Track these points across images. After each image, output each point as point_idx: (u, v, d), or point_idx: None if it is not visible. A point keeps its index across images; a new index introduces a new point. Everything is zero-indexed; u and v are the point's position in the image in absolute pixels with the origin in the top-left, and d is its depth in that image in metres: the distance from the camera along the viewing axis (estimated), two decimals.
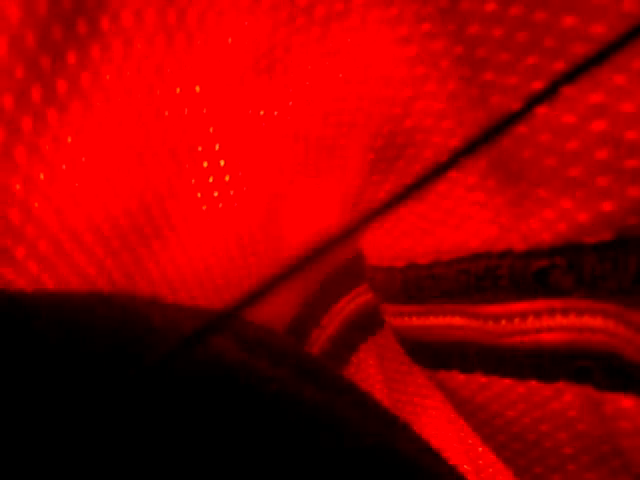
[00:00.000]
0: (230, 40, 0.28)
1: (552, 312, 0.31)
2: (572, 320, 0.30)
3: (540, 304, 0.31)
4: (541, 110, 0.28)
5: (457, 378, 0.36)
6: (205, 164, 0.30)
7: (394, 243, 0.37)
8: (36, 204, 0.25)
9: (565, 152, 0.28)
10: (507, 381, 0.34)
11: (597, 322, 0.30)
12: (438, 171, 0.28)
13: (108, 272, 0.28)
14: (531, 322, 0.32)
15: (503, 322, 0.33)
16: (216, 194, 0.31)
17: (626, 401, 0.30)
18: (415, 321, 0.37)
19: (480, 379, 0.35)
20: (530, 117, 0.28)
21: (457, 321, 0.35)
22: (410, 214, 0.35)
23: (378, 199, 0.36)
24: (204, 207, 0.31)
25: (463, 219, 0.33)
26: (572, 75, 0.26)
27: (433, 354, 0.37)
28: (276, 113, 0.31)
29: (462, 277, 0.34)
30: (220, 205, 0.32)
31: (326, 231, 0.37)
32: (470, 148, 0.28)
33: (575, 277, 0.29)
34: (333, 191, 0.36)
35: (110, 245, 0.28)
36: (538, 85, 0.27)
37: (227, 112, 0.30)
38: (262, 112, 0.31)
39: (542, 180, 0.29)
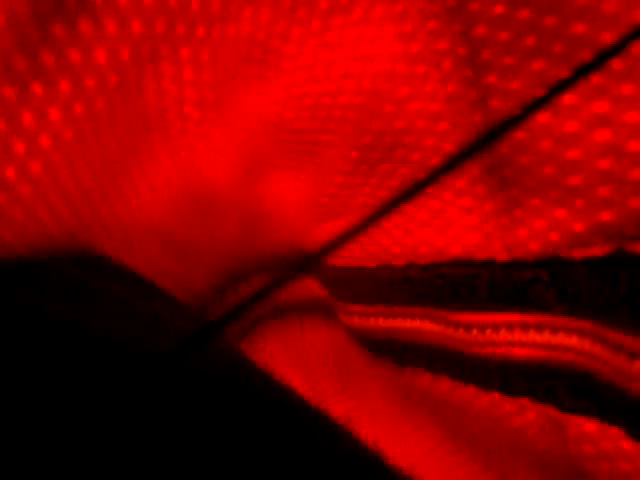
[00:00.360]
0: (229, 26, 0.28)
1: (525, 327, 0.30)
2: (545, 337, 0.30)
3: (514, 317, 0.31)
4: (543, 117, 0.27)
5: (423, 379, 0.36)
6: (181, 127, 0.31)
7: (369, 242, 0.36)
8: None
9: (566, 160, 0.27)
10: (471, 389, 0.34)
11: (572, 341, 0.29)
12: (435, 175, 0.28)
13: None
14: (503, 335, 0.31)
15: (474, 331, 0.32)
16: (188, 157, 0.33)
17: (589, 425, 0.29)
18: (381, 323, 0.37)
19: (445, 383, 0.35)
20: (531, 124, 0.27)
21: (426, 325, 0.35)
22: (397, 213, 0.34)
23: (355, 204, 0.35)
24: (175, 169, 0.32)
25: (447, 223, 0.32)
26: (570, 81, 0.25)
27: (400, 352, 0.37)
28: (261, 100, 0.31)
29: (438, 282, 0.33)
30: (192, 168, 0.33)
31: (292, 225, 0.37)
32: (467, 153, 0.27)
33: (557, 292, 0.29)
34: (309, 186, 0.36)
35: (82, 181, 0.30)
36: (541, 92, 0.26)
37: (213, 92, 0.31)
38: (247, 97, 0.31)
39: (537, 188, 0.29)
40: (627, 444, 0.28)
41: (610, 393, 0.28)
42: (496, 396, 0.33)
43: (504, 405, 0.33)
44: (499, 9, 0.26)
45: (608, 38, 0.24)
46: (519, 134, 0.28)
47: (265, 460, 0.20)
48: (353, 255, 0.37)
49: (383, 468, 0.24)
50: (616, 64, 0.25)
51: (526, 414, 0.32)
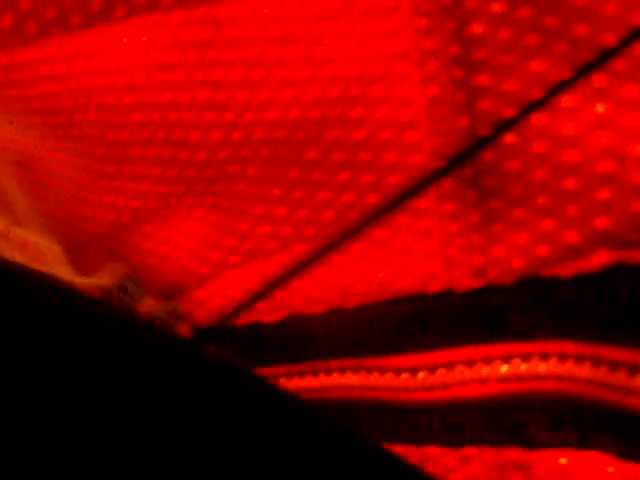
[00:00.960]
0: None
1: (488, 360, 0.28)
2: (514, 367, 0.27)
3: (475, 351, 0.28)
4: (539, 119, 0.27)
5: None
6: None
7: (278, 289, 0.31)
8: None
9: (561, 163, 0.26)
10: (398, 448, 0.29)
11: (549, 366, 0.27)
12: (403, 198, 0.26)
13: None
14: (459, 372, 0.28)
15: (422, 374, 0.29)
16: None
17: (563, 457, 0.27)
18: (292, 384, 0.31)
19: None
20: (524, 126, 0.26)
21: (347, 380, 0.30)
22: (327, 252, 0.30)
23: (270, 246, 0.31)
24: None
25: (395, 253, 0.30)
26: (568, 82, 0.24)
27: None
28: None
29: (375, 325, 0.29)
30: None
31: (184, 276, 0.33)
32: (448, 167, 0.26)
33: (539, 315, 0.27)
34: (214, 226, 0.32)
35: None
36: (537, 92, 0.26)
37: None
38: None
39: (522, 197, 0.27)
40: (612, 469, 0.26)
41: (598, 415, 0.26)
42: (431, 451, 0.29)
43: (442, 460, 0.29)
44: (498, 7, 0.26)
45: (610, 40, 0.25)
46: (508, 137, 0.27)
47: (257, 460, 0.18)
48: (255, 308, 0.32)
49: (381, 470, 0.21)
50: (618, 65, 0.25)
51: (468, 467, 0.28)
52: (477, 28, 0.26)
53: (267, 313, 0.32)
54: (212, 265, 0.33)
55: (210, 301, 0.33)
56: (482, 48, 0.26)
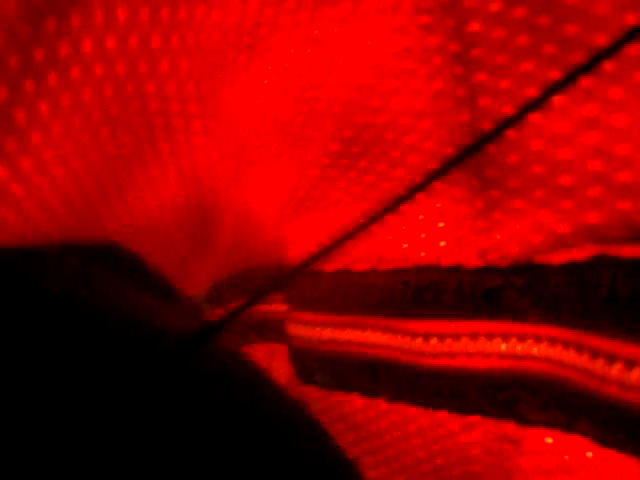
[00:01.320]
0: (216, 14, 0.28)
1: (490, 336, 0.29)
2: (511, 346, 0.29)
3: (479, 325, 0.30)
4: (535, 118, 0.27)
5: (355, 402, 0.34)
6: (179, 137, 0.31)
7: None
8: None
9: (557, 160, 0.27)
10: (412, 410, 0.32)
11: (541, 349, 0.28)
12: (423, 184, 0.27)
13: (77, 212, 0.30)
14: (464, 344, 0.30)
15: (433, 341, 0.31)
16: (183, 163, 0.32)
17: (550, 437, 0.29)
18: (327, 334, 0.35)
19: (381, 406, 0.33)
20: (522, 123, 0.27)
21: (377, 337, 0.33)
22: (357, 214, 0.34)
23: (329, 197, 0.34)
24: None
25: (416, 227, 0.32)
26: (564, 83, 0.25)
27: (334, 373, 0.35)
28: (247, 91, 0.31)
29: (399, 288, 0.32)
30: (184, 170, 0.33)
31: (275, 221, 0.36)
32: (461, 158, 0.27)
33: (531, 298, 0.28)
34: (290, 179, 0.35)
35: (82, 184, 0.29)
36: (531, 92, 0.26)
37: (204, 85, 0.30)
38: (234, 88, 0.31)
39: (521, 189, 0.28)
40: (591, 453, 0.28)
41: (580, 400, 0.27)
42: (440, 415, 0.32)
43: (448, 424, 0.32)
44: (495, 6, 0.26)
45: (600, 40, 0.25)
46: (508, 133, 0.27)
47: (259, 461, 0.20)
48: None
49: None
50: (606, 67, 0.25)
51: (472, 433, 0.31)
52: (475, 26, 0.27)
53: (326, 263, 0.35)
54: (292, 208, 0.37)
55: (289, 240, 0.37)
56: (480, 46, 0.27)
